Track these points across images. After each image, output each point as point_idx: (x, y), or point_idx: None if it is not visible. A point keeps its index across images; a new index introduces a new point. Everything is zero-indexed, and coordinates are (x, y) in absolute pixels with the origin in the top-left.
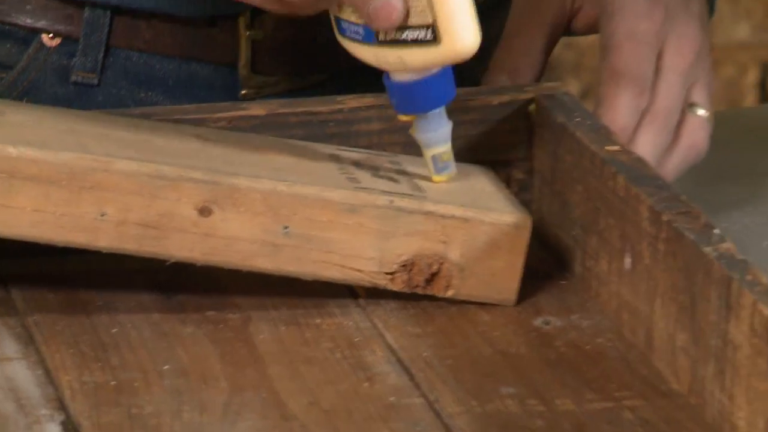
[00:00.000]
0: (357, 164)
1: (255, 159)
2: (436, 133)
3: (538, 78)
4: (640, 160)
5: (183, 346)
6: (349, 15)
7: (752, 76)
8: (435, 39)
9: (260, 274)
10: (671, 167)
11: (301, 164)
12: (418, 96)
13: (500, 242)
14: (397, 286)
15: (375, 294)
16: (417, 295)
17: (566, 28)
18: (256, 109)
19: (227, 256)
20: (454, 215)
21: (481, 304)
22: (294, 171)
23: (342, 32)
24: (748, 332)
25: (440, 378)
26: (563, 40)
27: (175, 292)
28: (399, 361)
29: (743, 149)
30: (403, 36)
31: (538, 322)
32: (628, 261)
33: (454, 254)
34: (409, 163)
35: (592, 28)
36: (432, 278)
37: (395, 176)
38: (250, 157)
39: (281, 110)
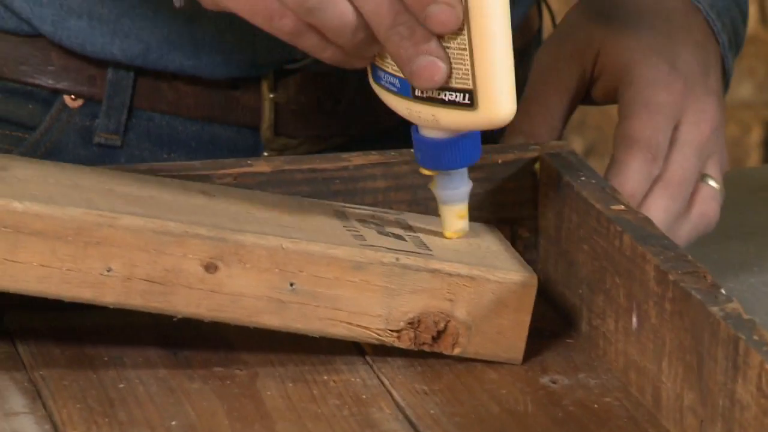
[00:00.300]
0: (362, 221)
1: (260, 215)
2: (456, 192)
3: None
4: (646, 220)
5: (190, 402)
6: (387, 65)
7: (756, 135)
8: (472, 104)
9: (267, 331)
10: (683, 235)
11: (306, 221)
12: (445, 154)
13: (507, 300)
14: (404, 344)
15: (382, 351)
16: (424, 352)
17: (585, 96)
18: (262, 166)
19: (234, 313)
20: (460, 273)
21: (489, 362)
22: (299, 228)
23: (377, 79)
24: (755, 392)
25: None
26: None
27: (182, 348)
28: (407, 418)
29: (748, 209)
30: (441, 96)
31: (545, 380)
32: (634, 320)
33: (460, 312)
34: (414, 221)
35: (611, 98)
36: (439, 336)
37: (401, 233)
38: (256, 213)
39: (287, 167)
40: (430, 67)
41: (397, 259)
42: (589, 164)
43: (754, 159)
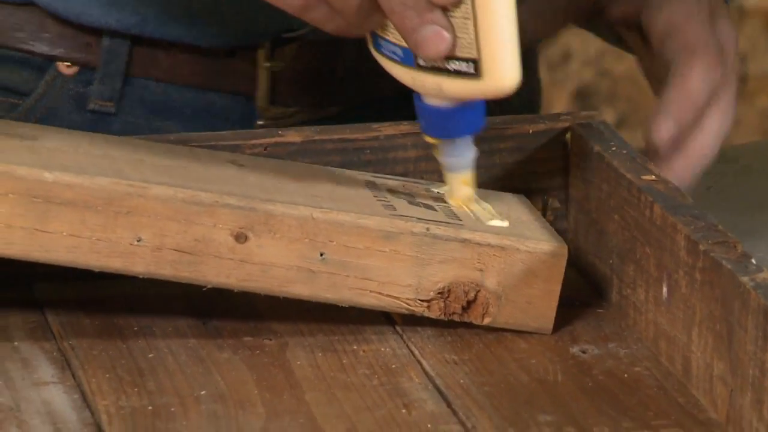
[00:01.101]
0: (393, 191)
1: (291, 186)
2: (461, 159)
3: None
4: (676, 189)
5: (220, 372)
6: (388, 34)
7: None
8: (477, 73)
9: (296, 300)
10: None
11: (336, 191)
12: (448, 122)
13: (537, 270)
14: (434, 314)
15: (412, 321)
16: (454, 322)
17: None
18: (293, 136)
19: (263, 283)
20: (490, 243)
21: (518, 332)
22: (330, 198)
23: (378, 48)
24: None
25: (477, 405)
26: (599, 69)
27: (211, 318)
28: (436, 387)
29: None
30: (446, 65)
31: (575, 350)
32: (665, 290)
33: (490, 282)
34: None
35: (631, 18)
36: (468, 306)
37: (431, 203)
38: (286, 183)
39: (317, 137)
40: (435, 37)
41: (428, 229)
42: (621, 135)
43: None
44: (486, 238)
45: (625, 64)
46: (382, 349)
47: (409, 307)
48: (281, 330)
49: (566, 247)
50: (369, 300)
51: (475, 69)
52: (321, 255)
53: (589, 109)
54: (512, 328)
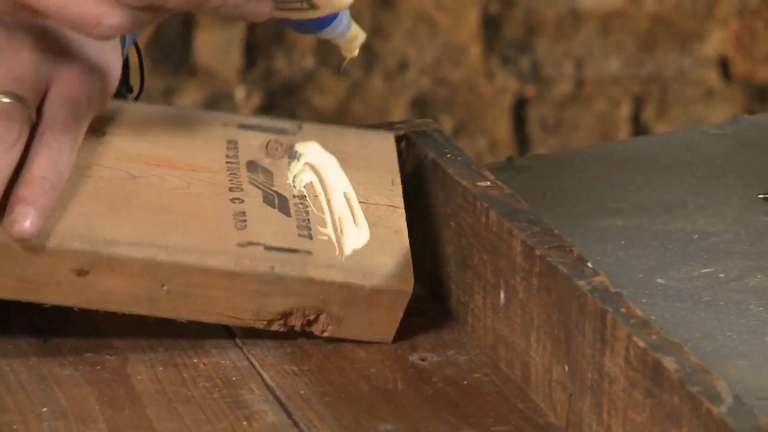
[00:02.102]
0: (252, 166)
1: (143, 199)
2: (340, 26)
3: None
4: (512, 196)
5: (61, 389)
6: None
7: (625, 110)
8: (312, 6)
9: (137, 316)
10: None
11: (190, 191)
12: (315, 23)
13: (380, 301)
14: (274, 327)
15: (252, 333)
16: (294, 333)
17: None
18: None
19: (104, 305)
20: (335, 281)
21: (357, 341)
22: (180, 216)
23: None
24: (623, 365)
25: (318, 415)
26: (435, 77)
27: (51, 335)
28: (277, 399)
29: (617, 182)
30: (284, 6)
31: (414, 358)
32: (502, 296)
33: (332, 308)
34: (309, 153)
35: None
36: (309, 324)
37: (288, 200)
38: (139, 195)
39: None
40: (259, 6)
41: (272, 267)
42: (457, 142)
43: (623, 134)
44: (331, 275)
45: (462, 71)
46: (223, 361)
47: (251, 324)
48: (121, 345)
49: (412, 284)
50: (211, 319)
51: (309, 4)
52: (163, 286)
53: (428, 117)
54: (353, 339)
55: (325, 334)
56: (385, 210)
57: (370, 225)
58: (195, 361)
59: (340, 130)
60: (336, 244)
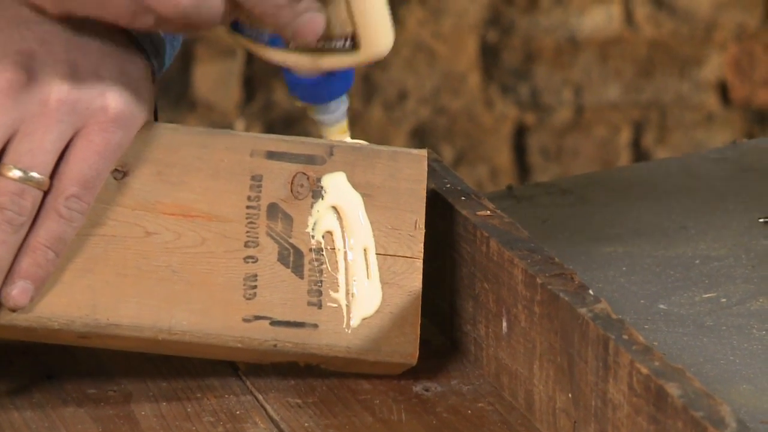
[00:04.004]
0: (272, 212)
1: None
2: (334, 114)
3: None
4: (512, 224)
5: (66, 426)
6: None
7: (625, 137)
8: (354, 47)
9: (139, 352)
10: None
11: (204, 250)
12: (322, 89)
13: (382, 368)
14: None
15: (255, 367)
16: (297, 366)
17: None
18: None
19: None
20: (337, 356)
21: (361, 373)
22: (189, 281)
23: (239, 30)
24: (627, 391)
25: None
26: (435, 106)
27: (55, 372)
28: None
29: (617, 209)
30: (322, 45)
31: (418, 388)
32: (504, 325)
33: (335, 364)
34: (336, 187)
35: None
36: (311, 367)
37: (304, 257)
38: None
39: None
40: (310, 23)
41: (275, 345)
42: (457, 172)
43: (624, 160)
44: (334, 351)
45: (461, 100)
46: (226, 395)
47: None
48: (125, 381)
49: (416, 357)
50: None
51: (353, 43)
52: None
53: (428, 146)
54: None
55: (330, 368)
56: (403, 264)
57: (385, 284)
58: (199, 395)
59: (372, 152)
60: (345, 314)
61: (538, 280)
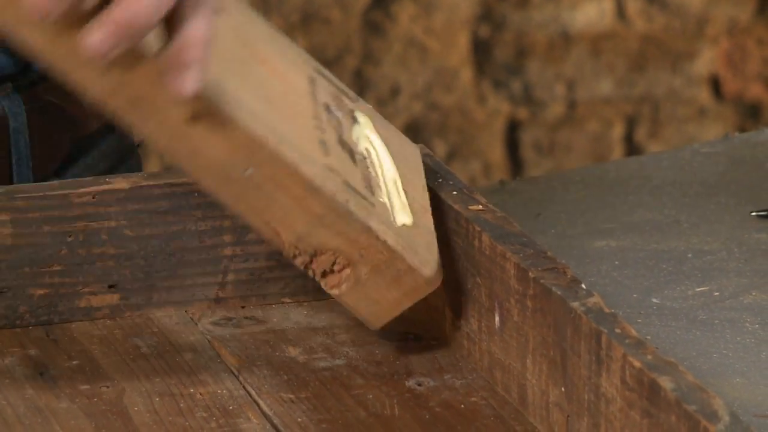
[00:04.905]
0: (328, 110)
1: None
2: None
3: None
4: (505, 218)
5: (58, 421)
6: None
7: (618, 131)
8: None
9: (132, 345)
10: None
11: (284, 98)
12: None
13: (403, 283)
14: (296, 262)
15: (247, 361)
16: (290, 360)
17: None
18: (120, 183)
19: (185, 160)
20: (387, 242)
21: (354, 367)
22: (286, 111)
23: None
24: (619, 385)
25: None
26: (427, 101)
27: (47, 367)
28: (274, 427)
29: (609, 203)
30: None
31: (411, 383)
32: (497, 319)
33: (361, 268)
34: (371, 122)
35: None
36: (325, 275)
37: (352, 150)
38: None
39: (145, 183)
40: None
41: (347, 201)
42: (450, 167)
43: (617, 154)
44: (386, 235)
45: (453, 96)
46: (219, 391)
47: (282, 246)
48: (117, 376)
49: (439, 281)
50: (255, 222)
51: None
52: (247, 170)
53: (421, 142)
54: (348, 308)
55: (332, 291)
56: (419, 208)
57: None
58: (192, 391)
59: (384, 120)
60: (390, 210)
61: (531, 275)
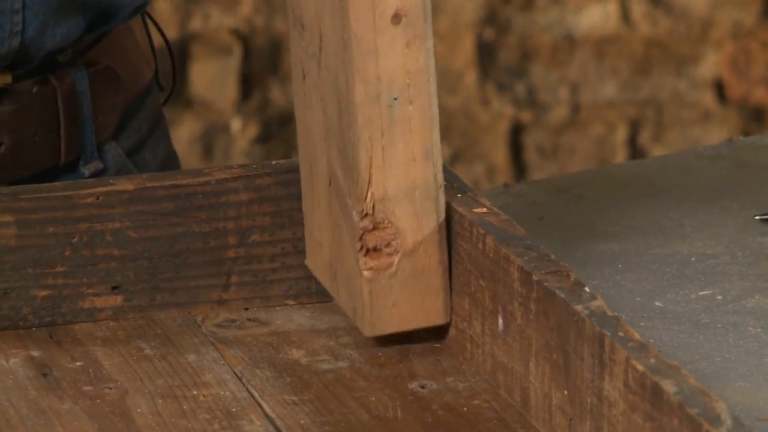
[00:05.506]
0: None
1: None
2: None
3: None
4: (508, 221)
5: (61, 423)
6: None
7: (621, 134)
8: None
9: (135, 348)
10: None
11: None
12: None
13: (425, 302)
14: (360, 225)
15: (250, 364)
16: (293, 362)
17: None
18: (124, 184)
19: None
20: (442, 246)
21: (357, 370)
22: None
23: None
24: (622, 388)
25: None
26: None
27: (50, 369)
28: (277, 429)
29: (613, 206)
30: None
31: (414, 385)
32: (500, 322)
33: (405, 264)
34: None
35: None
36: (372, 251)
37: None
38: None
39: (149, 184)
40: None
41: (441, 187)
42: (454, 170)
43: (620, 157)
44: (444, 242)
45: (458, 98)
46: (222, 393)
47: (361, 195)
48: (120, 378)
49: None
50: (359, 158)
51: None
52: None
53: None
54: (356, 296)
55: (366, 272)
56: None
57: None
58: (195, 392)
59: None
60: None
61: (534, 278)
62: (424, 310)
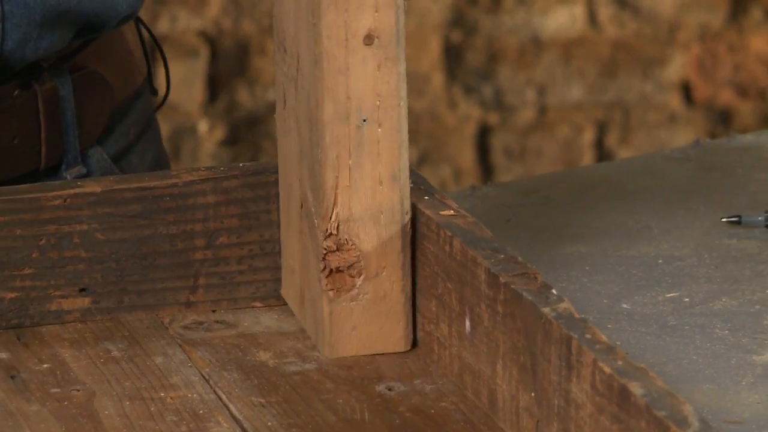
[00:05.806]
0: None
1: None
2: None
3: None
4: (476, 224)
5: (29, 424)
6: None
7: (588, 136)
8: None
9: (103, 350)
10: None
11: None
12: None
13: (384, 328)
14: (325, 243)
15: (218, 366)
16: (260, 364)
17: None
18: (92, 186)
19: None
20: (404, 273)
21: (324, 372)
22: None
23: None
24: (590, 391)
25: None
26: None
27: (18, 371)
28: (244, 431)
29: (580, 209)
30: None
31: (381, 388)
32: (468, 324)
33: (367, 288)
34: None
35: None
36: (335, 273)
37: None
38: None
39: (117, 186)
40: None
41: (407, 213)
42: (421, 172)
43: (587, 159)
44: (408, 268)
45: (425, 101)
46: (189, 395)
47: (326, 215)
48: (88, 380)
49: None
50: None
51: None
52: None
53: None
54: (313, 318)
55: (328, 293)
56: None
57: None
58: (162, 395)
59: None
60: None
61: (501, 280)
62: (384, 336)
